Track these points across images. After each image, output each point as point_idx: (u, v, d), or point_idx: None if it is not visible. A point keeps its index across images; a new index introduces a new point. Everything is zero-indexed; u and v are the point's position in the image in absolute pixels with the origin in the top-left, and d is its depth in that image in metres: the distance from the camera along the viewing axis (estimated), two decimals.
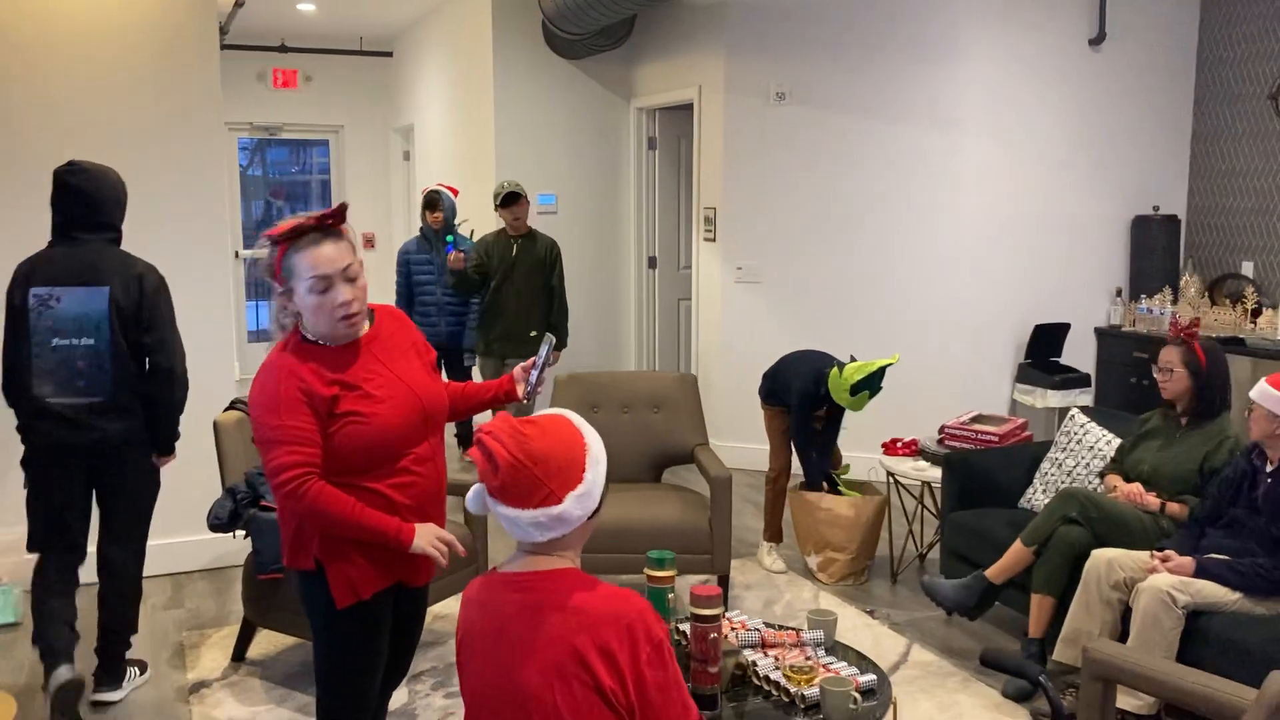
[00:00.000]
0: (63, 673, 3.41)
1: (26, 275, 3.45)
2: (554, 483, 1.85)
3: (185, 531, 4.82)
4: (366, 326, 2.49)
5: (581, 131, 7.59)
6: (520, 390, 2.66)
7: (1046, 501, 4.24)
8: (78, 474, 3.50)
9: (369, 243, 10.32)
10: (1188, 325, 3.86)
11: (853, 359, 4.61)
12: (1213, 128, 6.50)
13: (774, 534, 5.04)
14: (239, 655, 4.01)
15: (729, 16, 6.52)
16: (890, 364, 4.50)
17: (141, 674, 3.85)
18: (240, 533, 3.77)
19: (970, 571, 4.10)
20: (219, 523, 3.68)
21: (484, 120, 7.54)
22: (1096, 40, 6.26)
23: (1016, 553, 3.79)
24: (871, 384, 4.46)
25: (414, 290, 6.54)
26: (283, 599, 3.68)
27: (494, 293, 6.06)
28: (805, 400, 4.69)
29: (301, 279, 2.33)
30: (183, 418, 3.66)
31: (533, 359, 2.67)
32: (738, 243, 6.63)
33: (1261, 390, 3.34)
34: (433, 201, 6.46)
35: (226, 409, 4.02)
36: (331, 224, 2.36)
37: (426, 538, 2.39)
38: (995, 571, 3.85)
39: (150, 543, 3.81)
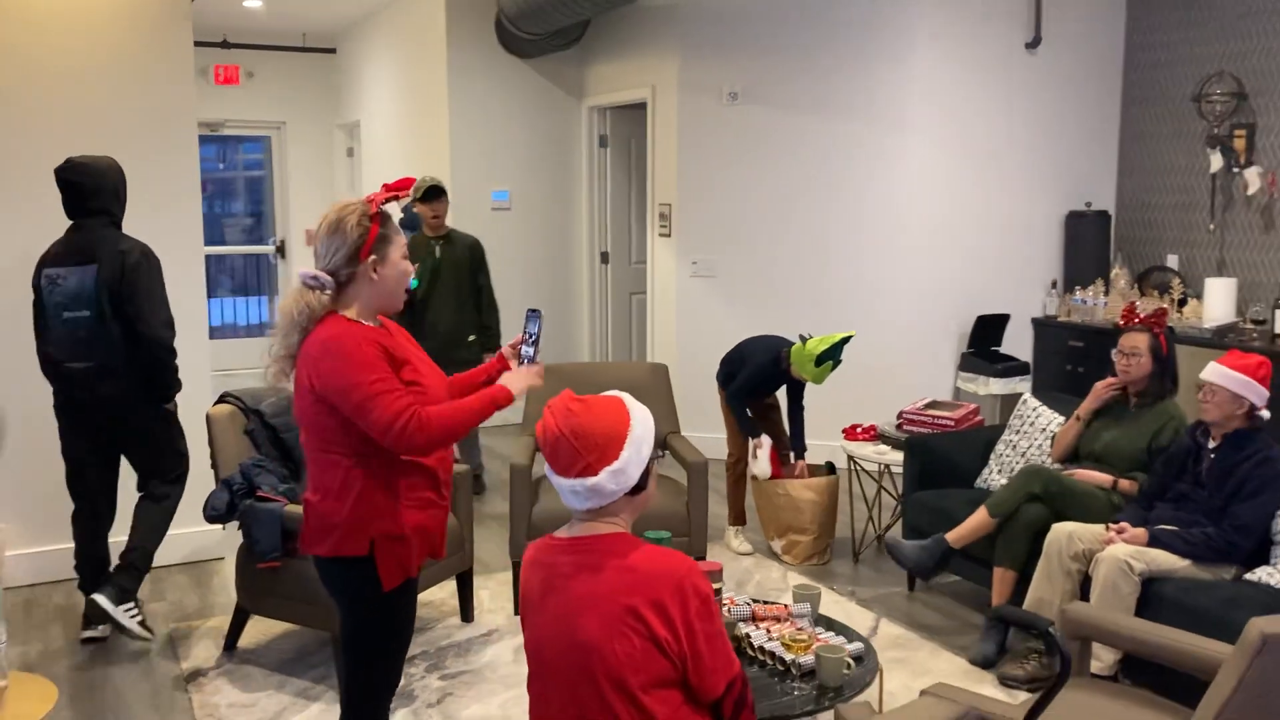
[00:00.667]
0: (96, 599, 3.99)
1: (42, 260, 3.98)
2: (591, 456, 2.01)
3: None
4: None
5: (534, 129, 7.71)
6: (514, 366, 2.71)
7: (1003, 481, 4.50)
8: (91, 430, 4.03)
9: (312, 238, 10.29)
10: (1153, 314, 4.13)
11: (811, 335, 4.83)
12: (1139, 128, 6.86)
13: (737, 517, 5.24)
14: (231, 645, 4.08)
15: (683, 19, 6.70)
16: (849, 337, 4.76)
17: (135, 616, 4.03)
18: (233, 524, 3.84)
19: None
20: (216, 514, 3.75)
21: (437, 117, 7.62)
22: (1033, 44, 6.57)
23: (979, 519, 4.02)
24: (834, 354, 4.70)
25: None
26: (281, 587, 3.76)
27: (422, 300, 5.70)
28: (757, 373, 4.92)
29: (397, 246, 2.52)
30: None
31: (519, 336, 2.71)
32: (692, 238, 6.82)
33: (1221, 373, 3.59)
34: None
35: (217, 402, 4.08)
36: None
37: (518, 381, 2.57)
38: (956, 536, 4.07)
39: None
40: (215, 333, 10.47)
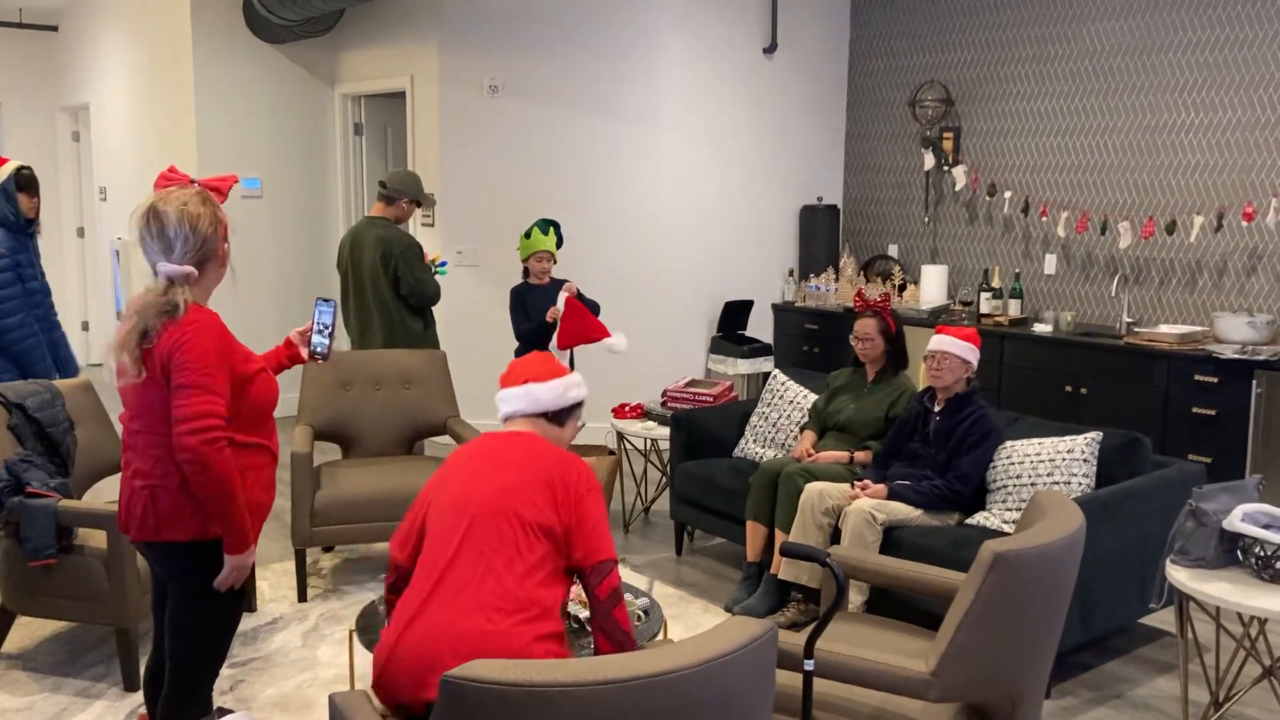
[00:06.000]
0: None
1: None
2: (532, 373, 2.67)
3: None
4: None
5: (286, 116, 7.58)
6: (305, 354, 2.86)
7: (759, 449, 4.92)
8: None
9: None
10: (878, 300, 4.62)
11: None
12: (862, 129, 7.55)
13: None
14: None
15: (442, 9, 6.79)
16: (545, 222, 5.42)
17: None
18: None
19: (697, 513, 4.75)
20: None
21: (181, 102, 7.35)
22: (770, 49, 7.10)
23: (755, 531, 4.39)
24: (530, 231, 5.38)
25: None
26: (56, 584, 3.63)
27: None
28: (515, 303, 5.42)
29: (228, 231, 2.58)
30: None
31: (310, 322, 2.86)
32: (457, 227, 6.94)
33: (951, 341, 4.10)
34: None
35: None
36: None
37: (241, 565, 2.56)
38: (755, 558, 4.41)
39: None
40: None
